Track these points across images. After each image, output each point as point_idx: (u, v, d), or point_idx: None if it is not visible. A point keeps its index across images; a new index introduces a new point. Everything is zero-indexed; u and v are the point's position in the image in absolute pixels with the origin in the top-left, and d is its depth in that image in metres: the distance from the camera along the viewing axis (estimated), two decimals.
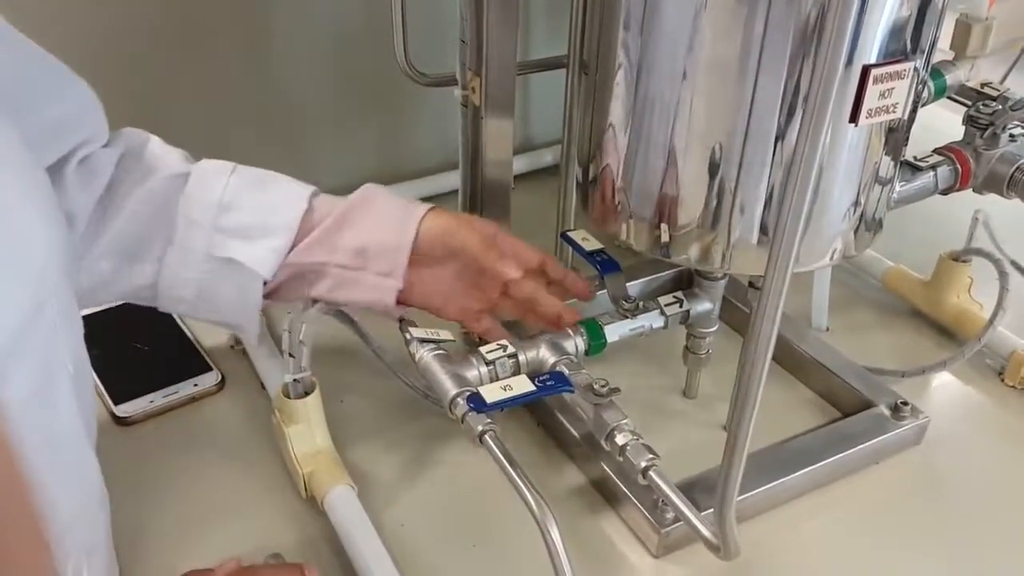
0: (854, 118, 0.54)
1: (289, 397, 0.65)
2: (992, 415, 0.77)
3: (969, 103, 0.75)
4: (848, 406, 0.75)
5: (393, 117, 1.04)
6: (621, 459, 0.59)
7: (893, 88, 0.53)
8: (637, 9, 0.58)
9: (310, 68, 0.96)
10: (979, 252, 0.79)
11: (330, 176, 1.01)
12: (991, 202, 0.77)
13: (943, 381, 0.80)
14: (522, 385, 0.59)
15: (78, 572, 0.47)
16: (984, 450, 0.74)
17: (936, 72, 0.76)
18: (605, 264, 0.71)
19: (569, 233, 0.75)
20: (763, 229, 0.60)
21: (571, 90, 0.75)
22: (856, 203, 0.61)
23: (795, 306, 0.85)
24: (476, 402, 0.58)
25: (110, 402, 0.73)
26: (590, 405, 0.62)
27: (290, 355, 0.64)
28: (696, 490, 0.63)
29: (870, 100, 0.53)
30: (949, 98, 0.79)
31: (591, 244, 0.73)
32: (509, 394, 0.58)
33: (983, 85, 0.75)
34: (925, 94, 0.70)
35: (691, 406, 0.77)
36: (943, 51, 0.75)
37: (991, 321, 0.75)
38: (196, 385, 0.75)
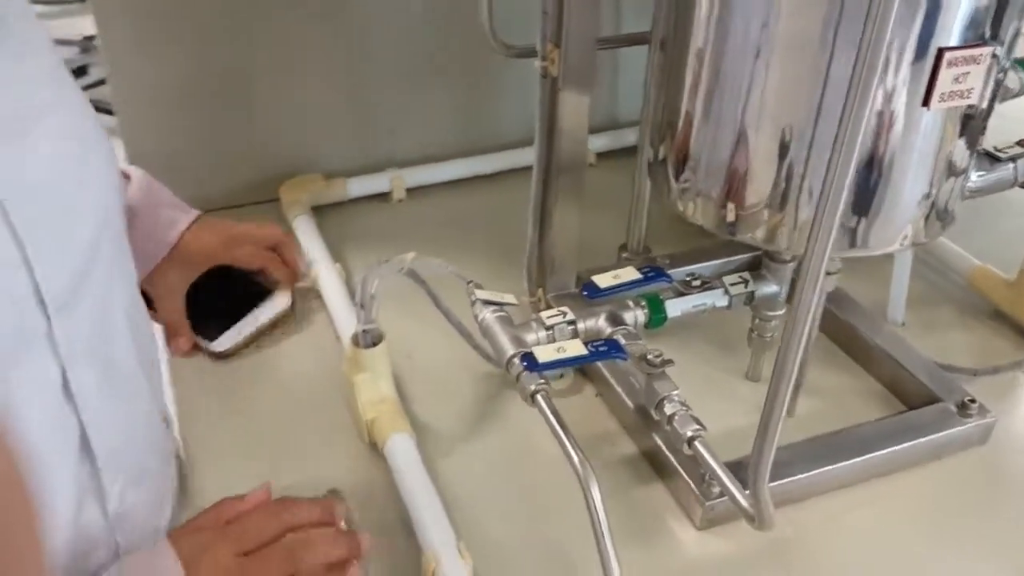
0: (926, 101, 0.54)
1: (358, 346, 0.69)
2: None
3: None
4: (915, 400, 0.73)
5: (476, 87, 1.05)
6: (668, 428, 0.60)
7: (969, 73, 0.52)
8: None
9: (395, 35, 0.97)
10: None
11: (411, 144, 1.04)
12: None
13: (1017, 383, 0.77)
14: (575, 348, 0.60)
15: (123, 496, 0.51)
16: None
17: None
18: (655, 278, 0.68)
19: (595, 279, 0.67)
20: None
21: (651, 67, 0.75)
22: (928, 190, 0.60)
23: (873, 299, 0.83)
24: (530, 361, 0.60)
25: (205, 342, 0.78)
26: (643, 375, 0.63)
27: (361, 306, 0.68)
28: (746, 469, 0.63)
29: (943, 84, 0.52)
30: None
31: (627, 274, 0.67)
32: (562, 356, 0.60)
33: None
34: (1016, 86, 0.68)
35: (753, 389, 0.77)
36: None
37: None
38: (275, 309, 0.80)
